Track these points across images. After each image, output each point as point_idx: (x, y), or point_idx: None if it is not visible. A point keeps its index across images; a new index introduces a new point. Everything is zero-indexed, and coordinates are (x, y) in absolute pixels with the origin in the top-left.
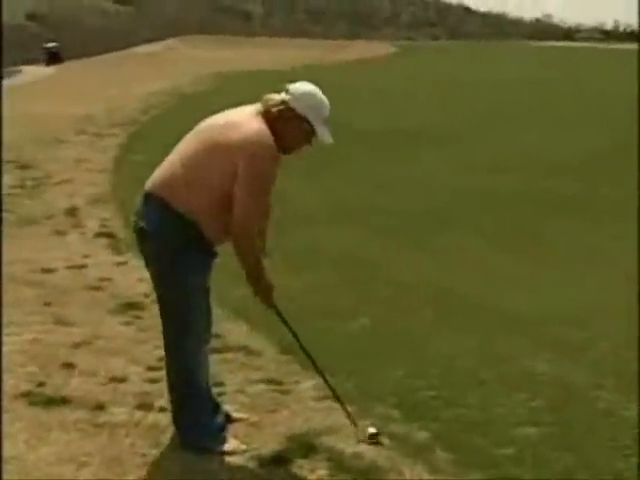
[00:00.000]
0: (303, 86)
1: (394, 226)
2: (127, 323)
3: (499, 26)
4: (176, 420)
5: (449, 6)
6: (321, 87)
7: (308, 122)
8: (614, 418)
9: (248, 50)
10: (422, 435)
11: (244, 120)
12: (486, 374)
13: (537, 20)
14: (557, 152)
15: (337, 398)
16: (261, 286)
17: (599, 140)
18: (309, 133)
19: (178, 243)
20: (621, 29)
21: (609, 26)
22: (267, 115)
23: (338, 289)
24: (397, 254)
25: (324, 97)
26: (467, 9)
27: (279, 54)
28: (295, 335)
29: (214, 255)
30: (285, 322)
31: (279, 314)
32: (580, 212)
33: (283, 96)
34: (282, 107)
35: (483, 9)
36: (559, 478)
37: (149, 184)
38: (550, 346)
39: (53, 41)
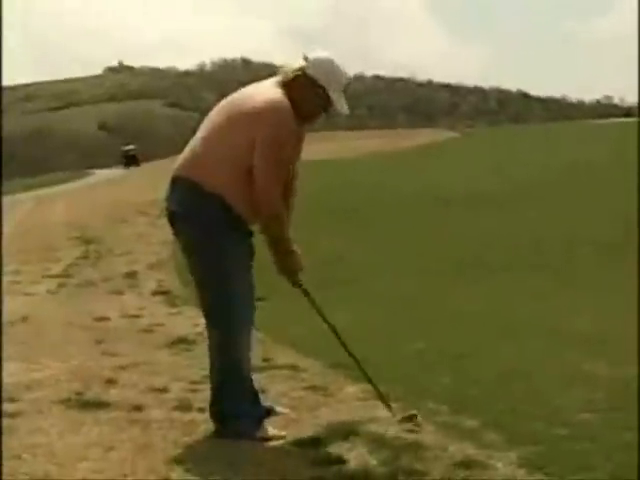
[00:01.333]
0: (320, 53)
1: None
2: (175, 354)
3: (560, 110)
4: (214, 406)
5: (509, 93)
6: (385, 172)
7: (324, 89)
8: None
9: (311, 144)
10: (471, 422)
11: (261, 90)
12: (542, 376)
13: (597, 102)
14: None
15: (365, 375)
16: (288, 261)
17: None
18: (325, 100)
19: (211, 223)
20: None
21: None
22: (285, 84)
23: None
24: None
25: (341, 65)
26: (527, 95)
27: (341, 146)
28: (322, 314)
29: (250, 234)
30: (313, 303)
31: (307, 294)
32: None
33: (300, 63)
34: (299, 73)
35: (543, 94)
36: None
37: (176, 167)
38: (607, 355)
39: (131, 145)
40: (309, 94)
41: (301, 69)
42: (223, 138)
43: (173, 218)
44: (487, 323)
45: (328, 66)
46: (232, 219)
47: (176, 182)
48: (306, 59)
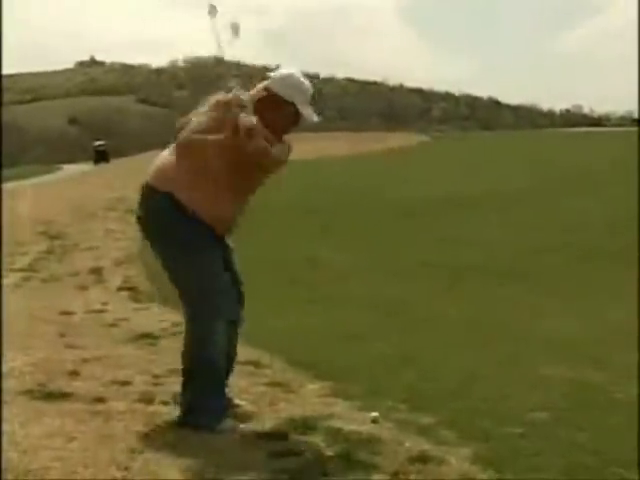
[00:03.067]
0: (283, 70)
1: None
2: (139, 348)
3: (530, 118)
4: (182, 395)
5: (480, 100)
6: (358, 175)
7: (292, 105)
8: (630, 407)
9: None
10: (428, 420)
11: None
12: (501, 378)
13: (567, 111)
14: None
15: None
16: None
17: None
18: (294, 114)
19: (177, 228)
20: None
21: (637, 114)
22: (255, 106)
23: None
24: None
25: (304, 78)
26: (498, 102)
27: (306, 147)
28: None
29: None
30: None
31: None
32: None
33: (264, 83)
34: (265, 93)
35: (514, 102)
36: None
37: (147, 176)
38: (568, 360)
39: (100, 140)
40: (278, 111)
41: (266, 88)
42: (193, 151)
43: (141, 223)
44: (454, 327)
45: (292, 81)
46: (199, 224)
47: (147, 190)
48: (270, 78)
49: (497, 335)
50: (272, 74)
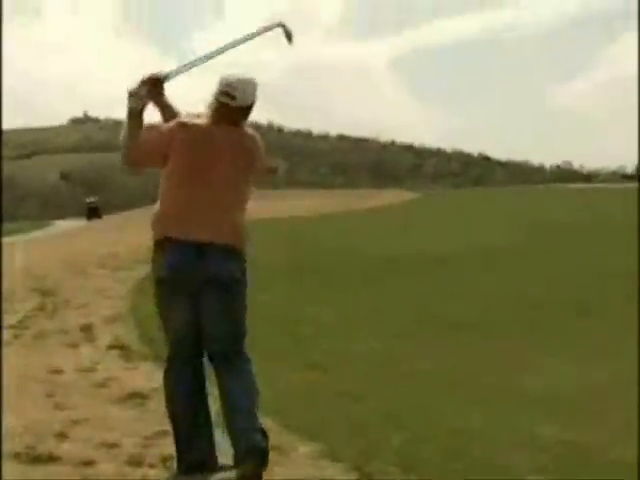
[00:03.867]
0: None
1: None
2: (129, 408)
3: (521, 174)
4: None
5: (471, 157)
6: (350, 232)
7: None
8: (630, 469)
9: (273, 202)
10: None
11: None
12: (493, 437)
13: (558, 167)
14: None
15: None
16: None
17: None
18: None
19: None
20: None
21: (630, 169)
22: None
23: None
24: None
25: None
26: (488, 159)
27: (303, 204)
28: None
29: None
30: None
31: None
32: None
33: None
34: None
35: (504, 158)
36: None
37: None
38: (560, 418)
39: (93, 197)
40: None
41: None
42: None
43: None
44: (447, 384)
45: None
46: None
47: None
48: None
49: (491, 392)
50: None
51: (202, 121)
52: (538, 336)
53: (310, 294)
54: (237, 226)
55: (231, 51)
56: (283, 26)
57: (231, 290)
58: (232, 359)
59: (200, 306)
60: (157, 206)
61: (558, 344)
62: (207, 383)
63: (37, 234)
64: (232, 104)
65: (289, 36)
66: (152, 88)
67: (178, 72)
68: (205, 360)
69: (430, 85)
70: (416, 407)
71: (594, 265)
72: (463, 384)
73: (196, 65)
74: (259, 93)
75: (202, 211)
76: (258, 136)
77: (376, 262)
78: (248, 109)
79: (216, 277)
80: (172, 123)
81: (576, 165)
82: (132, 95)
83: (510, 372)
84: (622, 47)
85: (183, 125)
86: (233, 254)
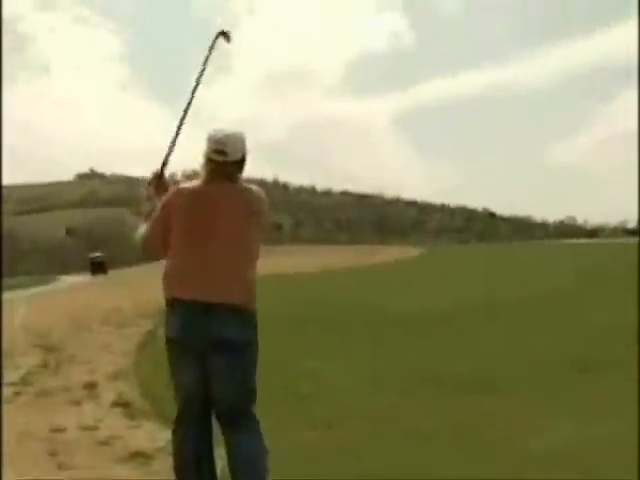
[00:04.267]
0: None
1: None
2: (132, 468)
3: (525, 229)
4: None
5: (474, 212)
6: (356, 288)
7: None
8: None
9: (279, 258)
10: None
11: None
12: None
13: (561, 222)
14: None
15: None
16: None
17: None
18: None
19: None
20: None
21: (632, 224)
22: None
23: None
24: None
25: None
26: (492, 214)
27: (307, 260)
28: None
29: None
30: None
31: None
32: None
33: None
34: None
35: (507, 214)
36: None
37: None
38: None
39: (98, 252)
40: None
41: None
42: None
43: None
44: (450, 442)
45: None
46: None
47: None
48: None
49: (494, 451)
50: None
51: (197, 182)
52: (540, 392)
53: (312, 349)
54: (246, 284)
55: (236, 109)
56: (222, 33)
57: (239, 351)
58: (239, 420)
59: (208, 366)
60: (166, 264)
61: (561, 401)
62: (213, 442)
63: (42, 289)
64: (225, 160)
65: (227, 37)
66: (158, 183)
67: (170, 152)
68: (213, 419)
69: (433, 142)
70: (419, 465)
71: (595, 320)
72: (465, 441)
73: (179, 134)
74: (265, 150)
75: (208, 270)
76: (262, 192)
77: (379, 318)
78: (241, 162)
79: (223, 338)
80: (169, 193)
81: (580, 220)
82: (147, 199)
83: (514, 430)
84: (622, 104)
85: (179, 190)
86: (243, 314)
